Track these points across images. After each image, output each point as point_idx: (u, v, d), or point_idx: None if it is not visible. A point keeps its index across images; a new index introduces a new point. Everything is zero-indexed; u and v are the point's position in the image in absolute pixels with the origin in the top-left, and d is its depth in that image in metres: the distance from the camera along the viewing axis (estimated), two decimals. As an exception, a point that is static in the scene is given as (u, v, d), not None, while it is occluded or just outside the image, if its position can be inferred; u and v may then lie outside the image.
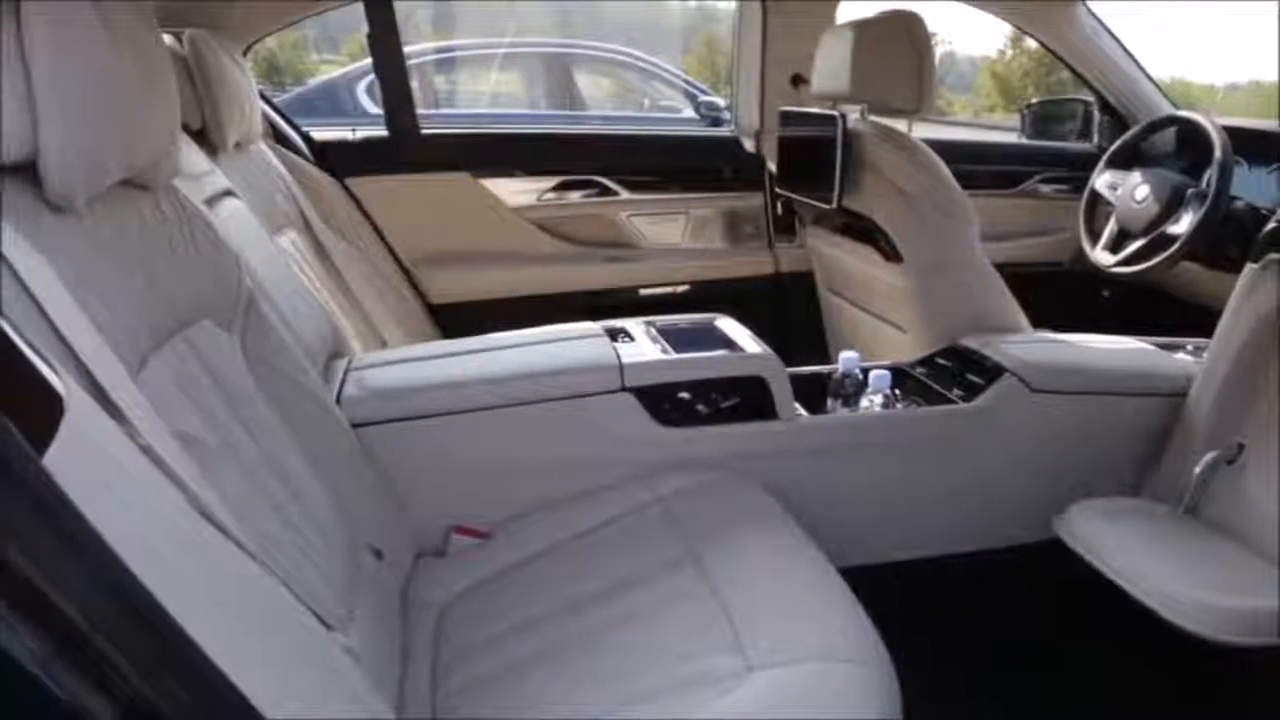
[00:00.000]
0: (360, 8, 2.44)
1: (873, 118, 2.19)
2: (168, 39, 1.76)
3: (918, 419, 1.77)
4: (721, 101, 6.01)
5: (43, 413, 0.64)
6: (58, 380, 0.69)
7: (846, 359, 1.80)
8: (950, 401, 1.80)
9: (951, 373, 1.90)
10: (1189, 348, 1.99)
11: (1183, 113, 2.39)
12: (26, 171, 0.88)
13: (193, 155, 1.64)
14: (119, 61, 0.94)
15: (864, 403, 1.78)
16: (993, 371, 1.82)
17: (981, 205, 2.18)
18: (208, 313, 1.15)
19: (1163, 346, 1.98)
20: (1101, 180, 2.44)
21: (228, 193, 1.68)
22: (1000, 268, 2.12)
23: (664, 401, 1.60)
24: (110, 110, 0.94)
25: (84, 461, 0.65)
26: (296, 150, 2.48)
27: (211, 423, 1.04)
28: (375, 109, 4.87)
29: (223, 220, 1.45)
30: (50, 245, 0.86)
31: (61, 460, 0.60)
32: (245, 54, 2.24)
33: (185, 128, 1.70)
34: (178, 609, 0.60)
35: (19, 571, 0.53)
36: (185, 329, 1.09)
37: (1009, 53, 14.13)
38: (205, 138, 1.80)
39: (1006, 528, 1.81)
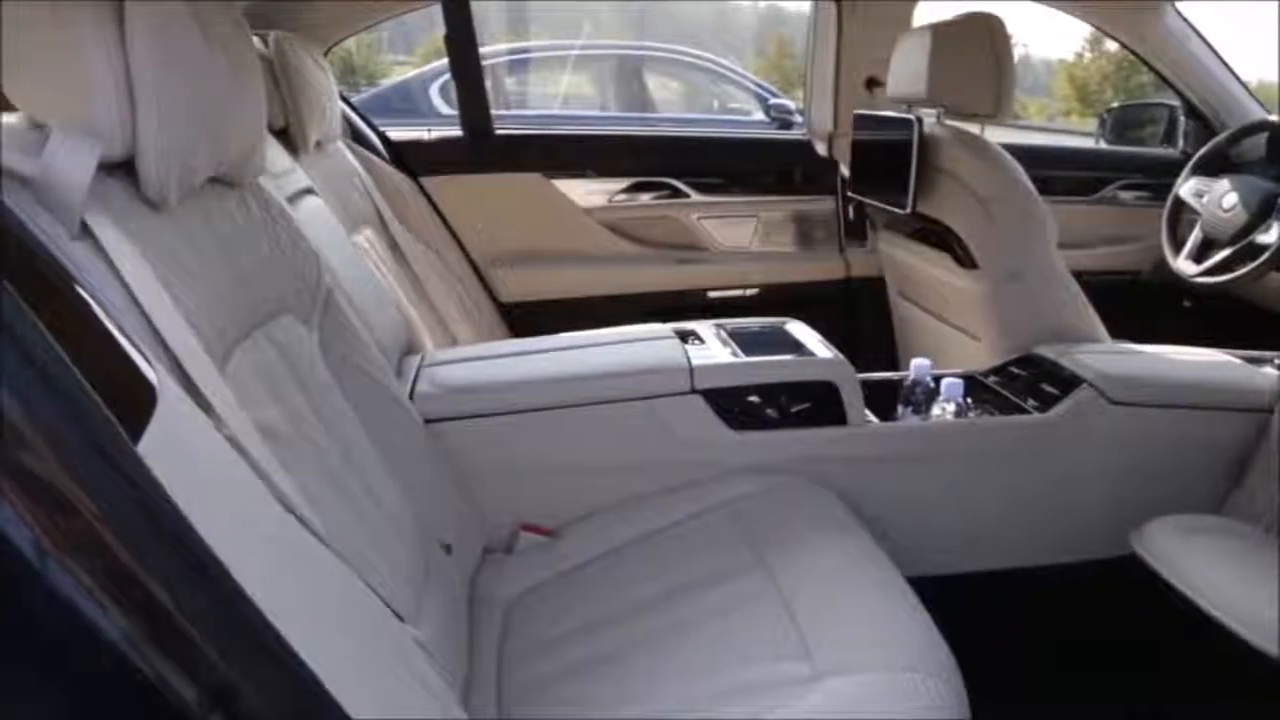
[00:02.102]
0: (436, 10, 2.49)
1: (949, 121, 2.16)
2: (254, 41, 1.81)
3: (991, 429, 1.74)
4: (791, 104, 5.99)
5: (137, 402, 0.67)
6: (151, 371, 0.71)
7: (918, 366, 1.78)
8: (1025, 412, 1.77)
9: (1026, 382, 1.87)
10: (1276, 362, 1.93)
11: (1276, 118, 2.31)
12: (124, 169, 0.92)
13: (276, 154, 1.68)
14: (213, 63, 0.97)
15: (936, 411, 1.75)
16: (1069, 382, 1.78)
17: (1059, 212, 2.13)
18: (289, 308, 1.18)
19: (1248, 360, 1.91)
20: (1186, 187, 2.37)
21: (308, 191, 1.72)
22: (1078, 276, 2.08)
23: (733, 404, 1.59)
24: (204, 110, 0.97)
25: (174, 450, 0.67)
26: (374, 149, 2.53)
27: (291, 416, 1.06)
28: (448, 109, 4.97)
29: (303, 218, 1.48)
30: (145, 240, 0.89)
31: (154, 448, 0.62)
32: (326, 55, 2.28)
33: (269, 127, 1.74)
34: (259, 595, 0.61)
35: (111, 553, 0.54)
36: (267, 324, 1.11)
37: (1087, 55, 13.81)
38: (288, 137, 1.84)
39: (1080, 542, 1.77)
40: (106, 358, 0.68)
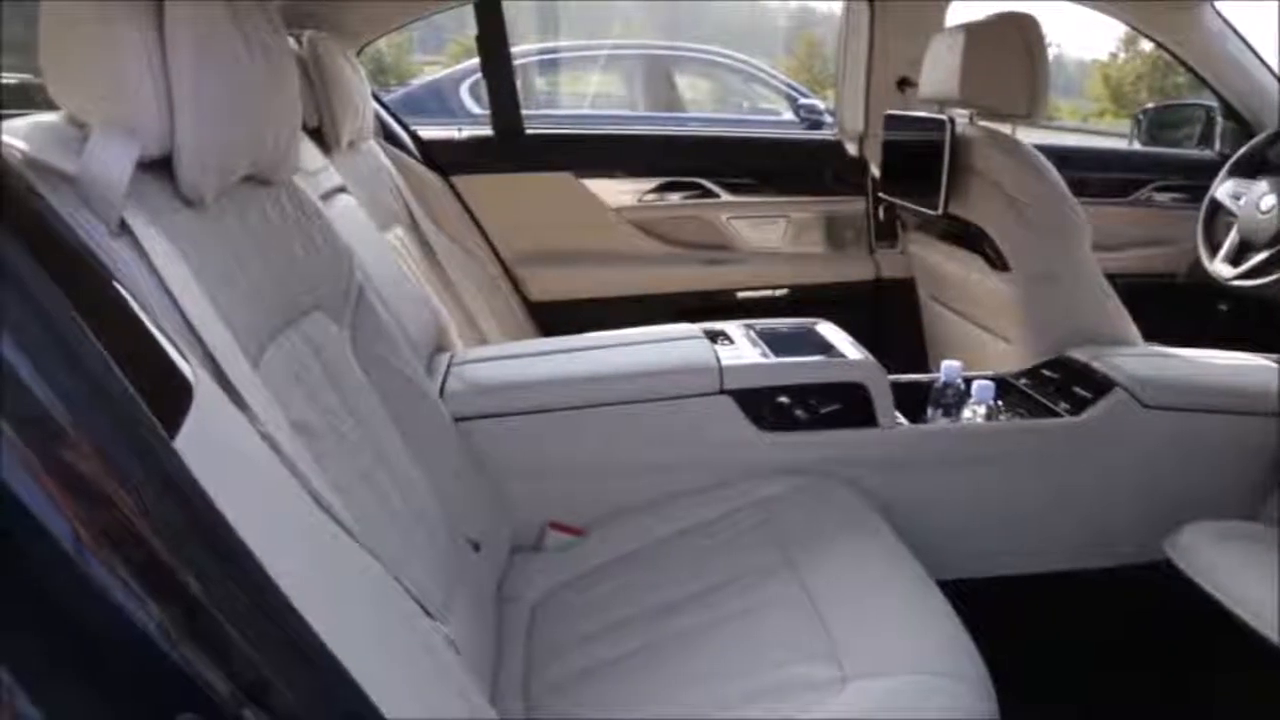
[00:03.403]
0: (466, 10, 2.50)
1: (982, 122, 2.14)
2: (288, 40, 1.82)
3: (1022, 432, 1.72)
4: (821, 104, 5.97)
5: (174, 398, 0.67)
6: (187, 368, 0.72)
7: (949, 368, 1.76)
8: (1056, 415, 1.75)
9: (1058, 385, 1.85)
10: None
11: None
12: (162, 168, 0.93)
13: (309, 153, 1.69)
14: (250, 63, 0.98)
15: (966, 413, 1.74)
16: (1102, 385, 1.76)
17: (1093, 214, 2.11)
18: (321, 305, 1.19)
19: None
20: (1223, 189, 2.34)
21: (341, 189, 1.74)
22: (1111, 278, 2.06)
23: (763, 405, 1.59)
24: (241, 110, 0.98)
25: (210, 446, 0.67)
26: (405, 148, 2.54)
27: (323, 412, 1.07)
28: (478, 109, 5.00)
29: (336, 216, 1.49)
30: (182, 238, 0.90)
31: (191, 444, 0.62)
32: (358, 54, 2.30)
33: (302, 126, 1.76)
34: (293, 591, 0.62)
35: (148, 547, 0.55)
36: (300, 321, 1.12)
37: (1121, 55, 13.64)
38: (321, 136, 1.86)
39: (1111, 546, 1.75)
40: (145, 354, 0.69)
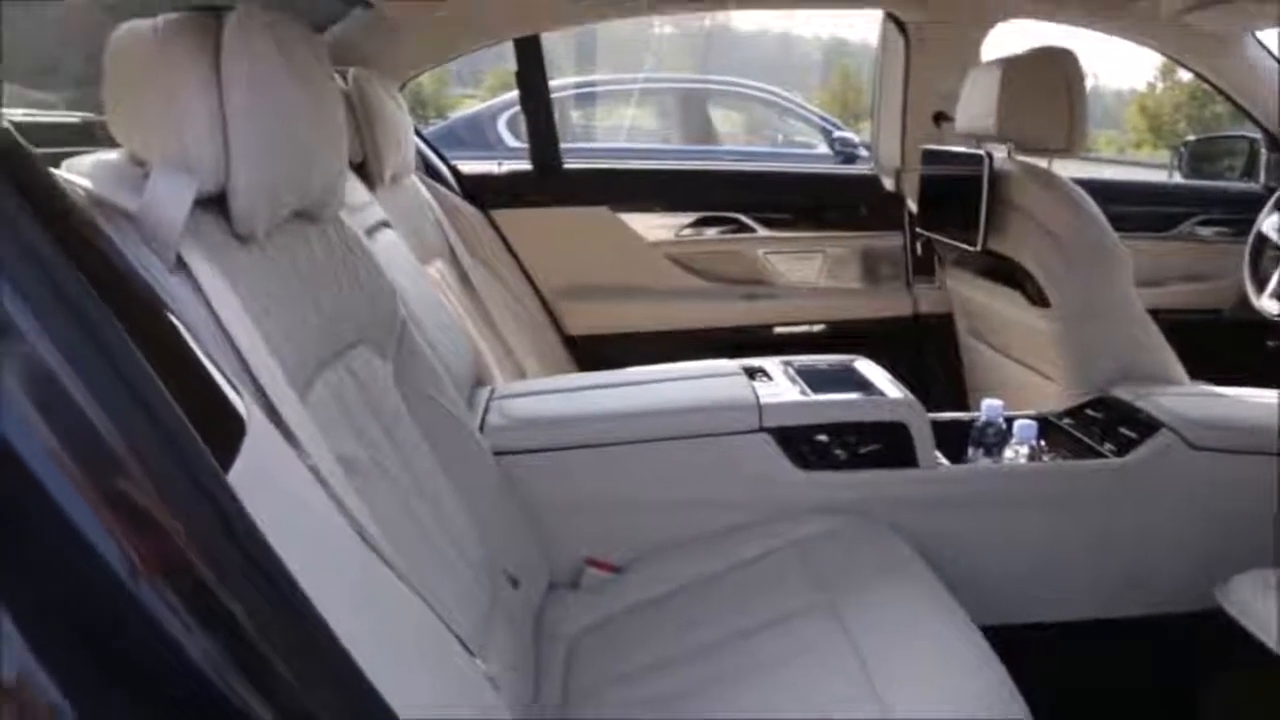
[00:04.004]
0: (504, 44, 2.53)
1: (1019, 157, 2.13)
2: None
3: (1066, 473, 1.70)
4: (855, 137, 5.97)
5: (228, 432, 0.68)
6: (240, 402, 0.73)
7: (989, 407, 1.74)
8: (1101, 456, 1.72)
9: (1102, 426, 1.82)
10: None
11: None
12: (216, 204, 0.95)
13: (354, 188, 1.72)
14: (301, 101, 1.00)
15: (1008, 454, 1.72)
16: (1148, 426, 1.73)
17: (1135, 248, 2.09)
18: (365, 339, 1.20)
19: None
20: (1270, 222, 2.31)
21: (384, 224, 1.76)
22: (1155, 314, 2.03)
23: (801, 443, 1.58)
24: (292, 147, 0.99)
25: (261, 480, 0.68)
26: (445, 183, 2.57)
27: (367, 445, 1.08)
28: (514, 142, 5.06)
29: (380, 250, 1.51)
30: (234, 273, 0.92)
31: (243, 478, 0.63)
32: (401, 90, 2.34)
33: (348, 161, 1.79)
34: (338, 625, 0.62)
35: (201, 578, 0.56)
36: (345, 354, 1.14)
37: (1159, 85, 13.53)
38: (364, 171, 1.89)
39: (1159, 593, 1.71)
40: (200, 388, 0.70)
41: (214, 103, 0.90)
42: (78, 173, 0.86)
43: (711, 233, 2.79)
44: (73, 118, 1.38)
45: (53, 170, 0.77)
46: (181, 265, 0.87)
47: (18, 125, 0.63)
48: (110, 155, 0.93)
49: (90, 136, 1.19)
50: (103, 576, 0.52)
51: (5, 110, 0.86)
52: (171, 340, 0.70)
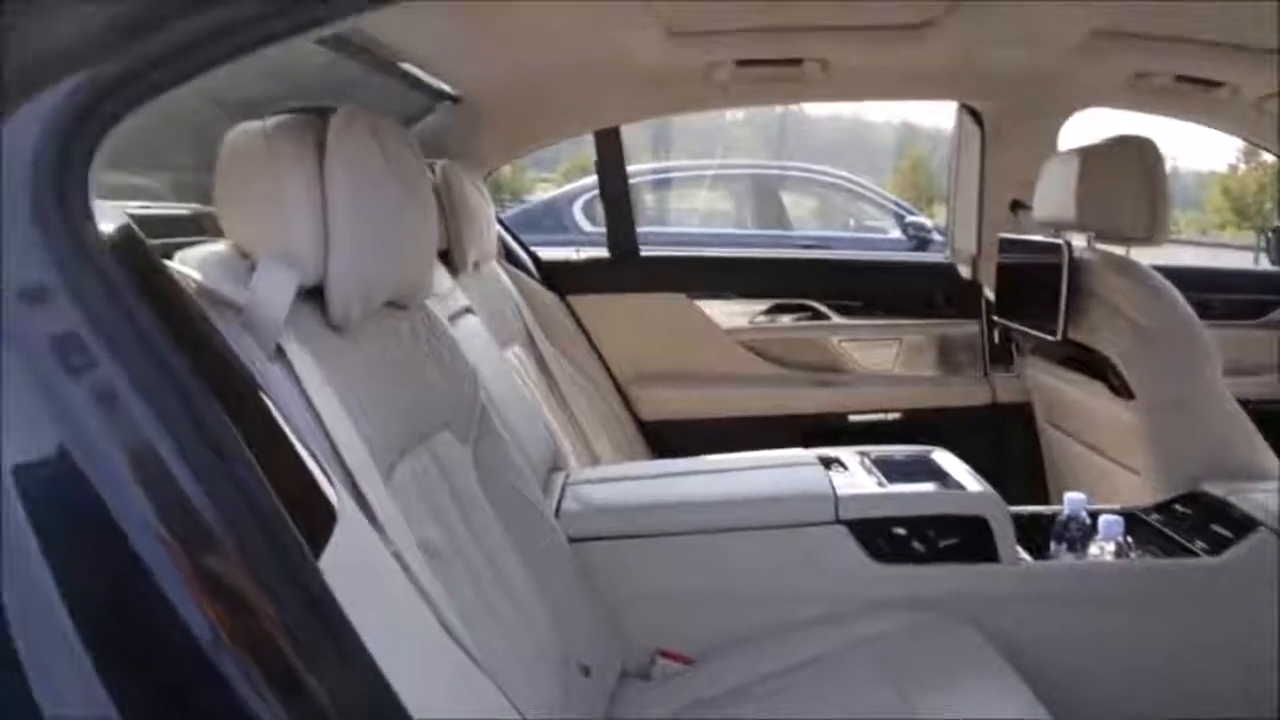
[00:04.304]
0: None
1: (1100, 245, 2.11)
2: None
3: (1155, 572, 1.64)
4: (929, 222, 5.96)
5: (320, 520, 0.71)
6: (332, 491, 0.75)
7: (1072, 501, 1.70)
8: (1193, 555, 1.66)
9: (1193, 522, 1.76)
10: None
11: None
12: (313, 294, 0.99)
13: (439, 275, 1.77)
14: (398, 198, 1.05)
15: (1093, 550, 1.66)
16: (1243, 523, 1.67)
17: (1223, 337, 2.04)
18: (447, 424, 1.23)
19: None
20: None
21: (467, 310, 1.81)
22: (1246, 405, 1.97)
23: (879, 536, 1.56)
24: (388, 242, 1.04)
25: (350, 568, 0.70)
26: (525, 268, 2.64)
27: (447, 530, 1.10)
28: (589, 226, 5.17)
29: (462, 336, 1.55)
30: (329, 361, 0.95)
31: (333, 564, 0.65)
32: (485, 180, 2.42)
33: (433, 249, 1.85)
34: (416, 709, 0.63)
35: (285, 657, 0.58)
36: (428, 439, 1.16)
37: (1241, 166, 13.25)
38: (449, 258, 1.95)
39: (1255, 701, 1.62)
40: (294, 475, 0.72)
41: (317, 200, 0.95)
42: (189, 264, 0.91)
43: (786, 320, 2.80)
44: (183, 210, 1.46)
45: (166, 262, 0.81)
46: (280, 354, 0.91)
47: (134, 218, 0.68)
48: (218, 247, 0.98)
49: (199, 227, 1.26)
50: (186, 644, 0.54)
51: (120, 202, 0.91)
52: (270, 427, 0.73)
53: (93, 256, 0.58)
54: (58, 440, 0.55)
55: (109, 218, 0.63)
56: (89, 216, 0.59)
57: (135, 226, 0.67)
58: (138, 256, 0.65)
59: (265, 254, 0.93)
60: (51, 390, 0.55)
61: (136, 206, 1.32)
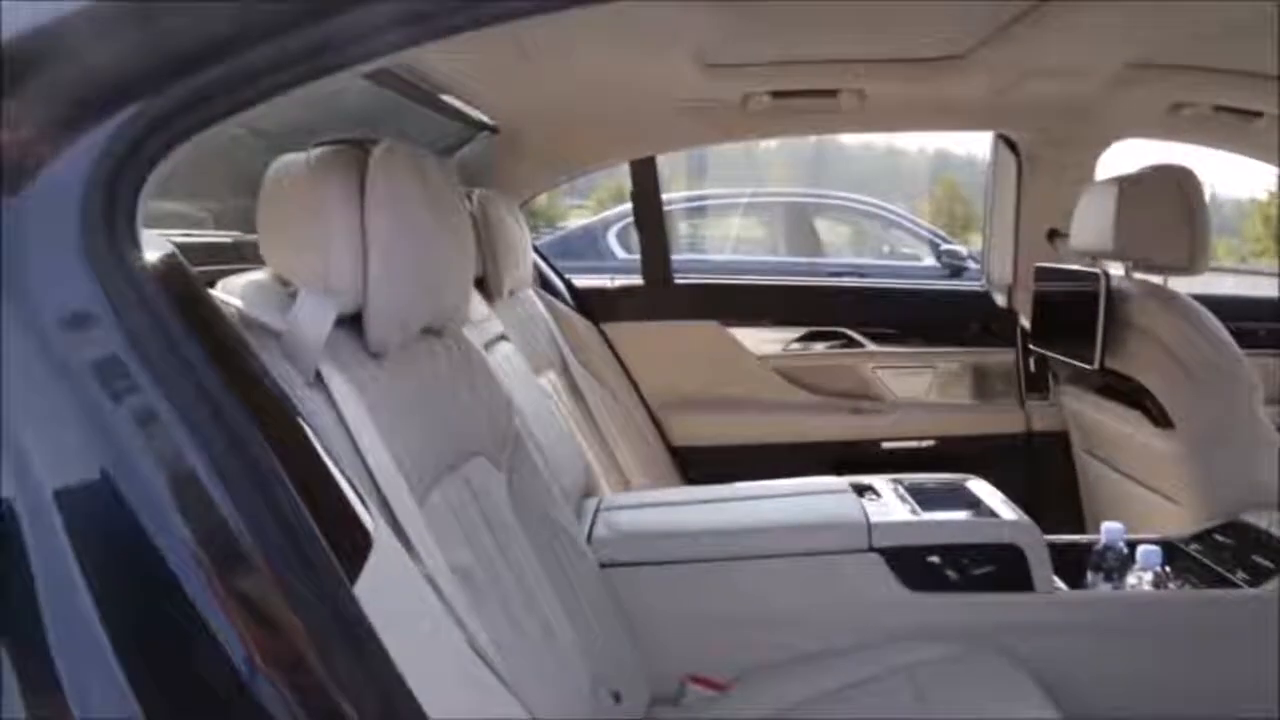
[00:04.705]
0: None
1: (1138, 275, 2.10)
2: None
3: (1195, 603, 1.61)
4: (963, 250, 5.93)
5: (356, 546, 0.72)
6: (368, 517, 0.76)
7: (1110, 530, 1.68)
8: (1234, 585, 1.63)
9: (1234, 552, 1.73)
10: None
11: None
12: (351, 321, 1.01)
13: (475, 302, 1.80)
14: (436, 229, 1.07)
15: (1131, 580, 1.64)
16: None
17: (1264, 366, 2.02)
18: (482, 450, 1.24)
19: None
20: None
21: (502, 337, 1.83)
22: None
23: (913, 565, 1.55)
24: (426, 271, 1.06)
25: (384, 591, 0.71)
26: (559, 295, 2.66)
27: (480, 556, 1.11)
28: (623, 254, 5.20)
29: (497, 363, 1.57)
30: (366, 388, 0.97)
31: (368, 590, 0.66)
32: (521, 208, 2.45)
33: (469, 277, 1.87)
34: None
35: (318, 680, 0.59)
36: (462, 465, 1.17)
37: (1281, 194, 13.02)
38: (484, 285, 1.97)
39: None
40: (331, 501, 0.74)
41: (357, 231, 0.97)
42: (230, 292, 0.94)
43: (820, 347, 2.80)
44: (224, 238, 1.49)
45: (209, 291, 0.83)
46: (318, 379, 0.92)
47: (179, 246, 0.70)
48: (259, 275, 1.01)
49: (239, 255, 1.29)
50: (225, 669, 0.55)
51: (166, 232, 0.94)
52: (308, 453, 0.74)
53: (138, 284, 0.59)
54: (99, 464, 0.56)
55: (154, 246, 0.64)
56: (136, 245, 0.61)
57: (180, 255, 0.69)
58: (181, 284, 0.66)
59: (305, 282, 0.95)
60: (94, 415, 0.56)
61: (179, 234, 1.35)
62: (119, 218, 0.59)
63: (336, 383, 0.93)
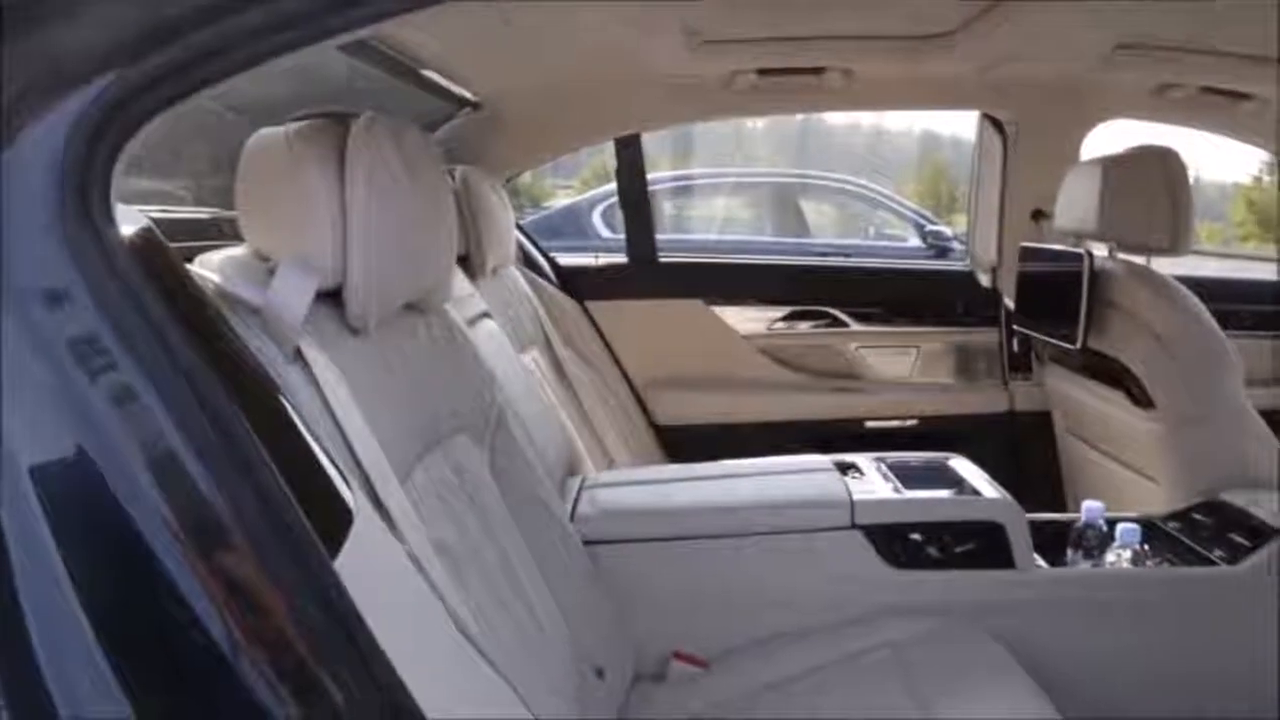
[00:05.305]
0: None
1: (1121, 255, 2.11)
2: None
3: (1172, 580, 1.63)
4: (948, 230, 5.94)
5: (337, 521, 0.71)
6: (349, 493, 0.76)
7: (1090, 508, 1.69)
8: (1211, 563, 1.65)
9: (1212, 531, 1.75)
10: None
11: None
12: (332, 297, 1.00)
13: (458, 279, 1.78)
14: (417, 203, 1.06)
15: (1110, 558, 1.66)
16: (1261, 532, 1.66)
17: (1245, 347, 2.03)
18: (464, 428, 1.24)
19: None
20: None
21: (485, 315, 1.82)
22: (1268, 416, 1.96)
23: (895, 542, 1.56)
24: (407, 246, 1.05)
25: (365, 567, 0.71)
26: (543, 274, 2.65)
27: (462, 533, 1.11)
28: (608, 233, 5.18)
29: (480, 340, 1.56)
30: (347, 364, 0.96)
31: (348, 565, 0.66)
32: (505, 185, 2.43)
33: (452, 254, 1.86)
34: (433, 714, 0.64)
35: (299, 656, 0.58)
36: (445, 442, 1.17)
37: (1266, 178, 13.08)
38: (467, 262, 1.96)
39: (1271, 712, 1.61)
40: (311, 476, 0.73)
41: (337, 205, 0.96)
42: (208, 268, 0.92)
43: (804, 327, 2.80)
44: (202, 214, 1.48)
45: (186, 266, 0.82)
46: (299, 356, 0.92)
47: (155, 221, 0.69)
48: (237, 250, 1.00)
49: (218, 232, 1.27)
50: (204, 645, 0.55)
51: (142, 208, 0.93)
52: (287, 429, 0.74)
53: (114, 259, 0.58)
54: (76, 441, 0.55)
55: (130, 220, 0.63)
56: (111, 219, 0.60)
57: (156, 229, 0.68)
58: (158, 259, 0.66)
59: (284, 257, 0.94)
60: (70, 391, 0.55)
61: (156, 210, 1.33)
62: (94, 190, 0.58)
63: (317, 359, 0.92)
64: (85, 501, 0.56)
